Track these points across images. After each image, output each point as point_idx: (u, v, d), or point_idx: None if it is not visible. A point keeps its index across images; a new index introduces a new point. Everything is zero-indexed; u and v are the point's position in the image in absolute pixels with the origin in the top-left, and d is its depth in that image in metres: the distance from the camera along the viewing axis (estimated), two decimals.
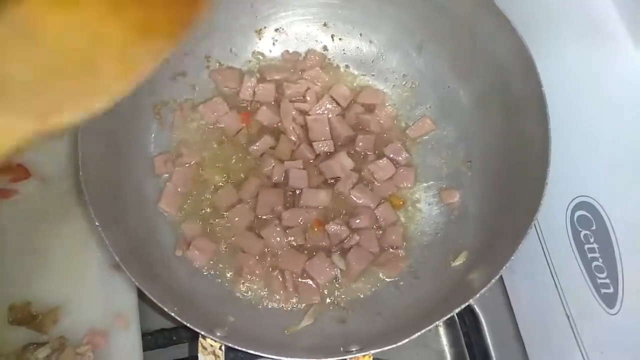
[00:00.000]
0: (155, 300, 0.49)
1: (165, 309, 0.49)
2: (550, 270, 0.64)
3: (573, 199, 0.59)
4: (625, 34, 0.52)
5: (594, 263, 0.57)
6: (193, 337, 0.64)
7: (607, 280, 0.55)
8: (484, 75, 0.66)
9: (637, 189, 0.52)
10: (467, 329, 0.75)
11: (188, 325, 0.49)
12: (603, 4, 0.53)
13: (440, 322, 0.73)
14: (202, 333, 0.50)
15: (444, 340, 0.76)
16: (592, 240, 0.57)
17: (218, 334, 0.52)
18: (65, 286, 0.64)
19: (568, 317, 0.62)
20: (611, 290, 0.55)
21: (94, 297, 0.64)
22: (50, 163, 0.69)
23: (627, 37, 0.51)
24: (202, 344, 0.51)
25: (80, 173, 0.52)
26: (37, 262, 0.65)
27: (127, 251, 0.55)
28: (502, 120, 0.65)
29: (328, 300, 0.66)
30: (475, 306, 0.74)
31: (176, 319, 0.51)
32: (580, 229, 0.59)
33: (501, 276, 0.73)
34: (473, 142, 0.70)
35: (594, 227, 0.57)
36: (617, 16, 0.52)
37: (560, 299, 0.63)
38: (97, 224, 0.51)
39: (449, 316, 0.55)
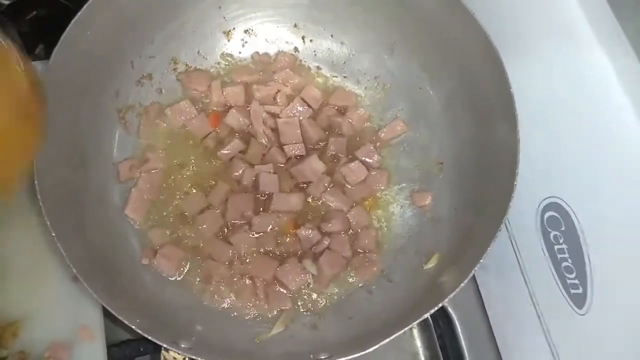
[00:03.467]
0: (115, 313, 0.48)
1: (126, 322, 0.48)
2: (522, 271, 0.65)
3: (543, 200, 0.59)
4: (591, 36, 0.52)
5: (564, 264, 0.57)
6: (157, 349, 0.62)
7: (576, 281, 0.56)
8: (454, 77, 0.66)
9: (603, 191, 0.52)
10: (441, 331, 0.75)
11: (149, 338, 0.48)
12: (570, 7, 0.53)
13: (414, 325, 0.73)
14: (165, 346, 0.49)
15: (418, 343, 0.76)
16: (561, 241, 0.57)
17: (183, 346, 0.51)
18: (25, 298, 0.62)
19: (539, 317, 0.62)
20: (580, 290, 0.55)
21: (57, 309, 0.62)
22: None
23: (594, 39, 0.51)
24: (164, 356, 0.50)
25: (36, 182, 0.50)
26: None
27: (88, 262, 0.53)
28: (472, 121, 0.65)
29: (300, 306, 0.65)
30: (448, 308, 0.73)
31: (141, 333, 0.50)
32: (550, 230, 0.59)
33: (474, 278, 0.74)
34: (444, 143, 0.70)
35: (563, 228, 0.57)
36: (584, 18, 0.53)
37: (532, 299, 0.63)
38: (53, 235, 0.49)
39: (421, 319, 0.54)
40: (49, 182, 0.52)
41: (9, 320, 0.61)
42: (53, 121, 0.54)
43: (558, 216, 0.57)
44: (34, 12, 0.83)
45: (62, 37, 0.55)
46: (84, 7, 0.56)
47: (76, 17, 0.55)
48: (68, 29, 0.55)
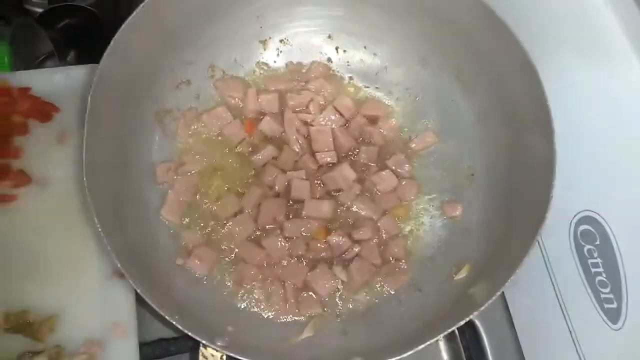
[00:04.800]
0: (156, 308, 0.49)
1: (167, 317, 0.49)
2: (553, 285, 0.64)
3: (577, 214, 0.59)
4: (629, 49, 0.52)
5: (598, 278, 0.57)
6: (192, 348, 0.63)
7: (611, 295, 0.55)
8: (487, 89, 0.67)
9: None
10: (468, 343, 0.74)
11: (189, 334, 0.49)
12: (608, 20, 0.54)
13: (441, 336, 0.73)
14: (204, 342, 0.50)
15: (444, 355, 0.75)
16: (595, 255, 0.57)
17: (219, 344, 0.51)
18: (62, 294, 0.63)
19: (570, 332, 0.61)
20: (615, 305, 0.55)
21: (92, 305, 0.64)
22: (51, 169, 0.69)
23: (631, 53, 0.52)
24: (202, 353, 0.51)
25: (85, 180, 0.52)
26: (34, 269, 0.64)
27: (128, 259, 0.54)
28: (506, 133, 0.65)
29: (329, 312, 0.65)
30: (475, 320, 0.73)
31: (176, 328, 0.51)
32: (583, 244, 0.59)
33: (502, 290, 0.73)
34: (476, 155, 0.70)
35: (597, 242, 0.56)
36: (621, 32, 0.53)
37: (563, 313, 0.62)
38: (100, 230, 0.50)
39: (450, 330, 0.54)
40: (95, 179, 0.54)
41: (46, 315, 0.62)
42: (101, 123, 0.57)
43: (592, 230, 0.57)
44: (66, 20, 0.87)
45: (111, 43, 0.57)
46: (132, 14, 0.58)
47: (126, 22, 0.57)
48: (117, 35, 0.57)
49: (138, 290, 0.49)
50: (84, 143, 0.53)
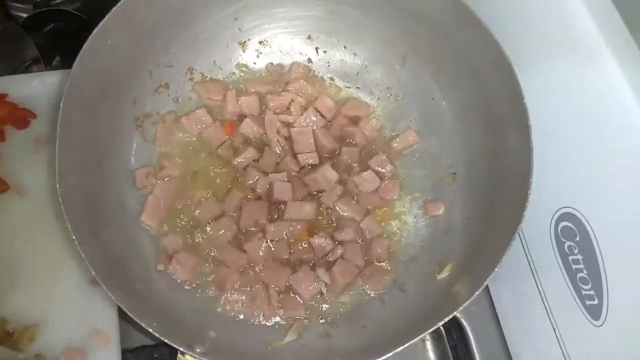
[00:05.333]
0: (132, 316, 0.48)
1: (143, 325, 0.48)
2: (536, 282, 0.64)
3: (557, 210, 0.59)
4: (604, 47, 0.52)
5: (579, 274, 0.57)
6: (173, 355, 0.62)
7: (592, 292, 0.55)
8: (466, 87, 0.66)
9: (618, 201, 0.52)
10: (455, 343, 0.74)
11: (166, 341, 0.48)
12: (582, 19, 0.54)
13: (425, 335, 0.73)
14: (181, 349, 0.49)
15: (431, 355, 0.75)
16: (576, 251, 0.57)
17: (198, 350, 0.51)
18: (42, 302, 0.63)
19: (554, 330, 0.61)
20: (596, 301, 0.55)
21: (72, 313, 0.63)
22: (28, 176, 0.68)
23: (606, 51, 0.52)
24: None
25: (57, 186, 0.51)
26: (13, 277, 0.63)
27: (105, 266, 0.54)
28: (485, 131, 0.65)
29: (312, 314, 0.65)
30: (462, 319, 0.73)
31: (155, 335, 0.50)
32: (564, 240, 0.59)
33: (487, 288, 0.73)
34: (457, 153, 0.70)
35: (577, 239, 0.56)
36: (596, 30, 0.53)
37: (546, 310, 0.62)
38: (73, 238, 0.50)
39: (433, 329, 0.54)
40: (69, 186, 0.53)
41: (26, 325, 0.61)
42: (74, 129, 0.56)
43: (572, 226, 0.57)
44: (52, 25, 0.86)
45: (83, 47, 0.56)
46: (105, 18, 0.58)
47: (97, 28, 0.57)
48: (89, 39, 0.57)
49: (112, 297, 0.49)
50: (56, 150, 0.52)
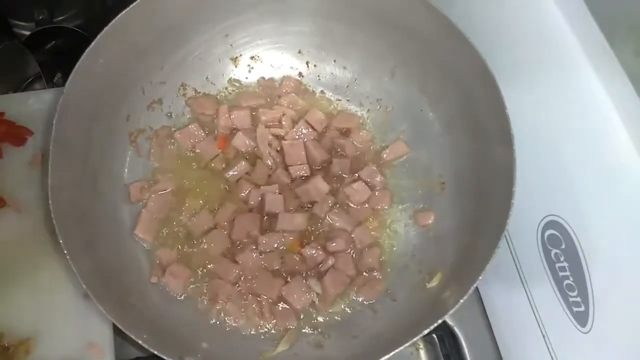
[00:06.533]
0: (123, 329, 0.49)
1: (133, 337, 0.49)
2: (525, 290, 0.65)
3: (543, 218, 0.60)
4: (584, 61, 0.53)
5: (565, 282, 0.57)
6: None
7: (579, 299, 0.56)
8: (452, 99, 0.68)
9: (601, 209, 0.53)
10: (447, 351, 0.75)
11: (156, 353, 0.49)
12: (563, 34, 0.55)
13: (419, 343, 0.74)
14: None
15: None
16: (562, 259, 0.58)
17: None
18: (38, 316, 0.64)
19: (544, 337, 0.62)
20: (582, 308, 0.55)
21: (68, 327, 0.64)
22: (25, 192, 0.69)
23: (587, 64, 0.53)
24: None
25: (50, 202, 0.52)
26: (8, 292, 0.64)
27: (98, 280, 0.55)
28: (471, 142, 0.66)
29: (304, 324, 0.66)
30: (455, 327, 0.73)
31: (146, 347, 0.51)
32: (550, 248, 0.59)
33: (480, 297, 0.74)
34: (446, 163, 0.71)
35: (563, 246, 0.57)
36: (577, 44, 0.54)
37: (536, 318, 0.63)
38: (65, 252, 0.51)
39: (422, 335, 0.54)
40: (62, 201, 0.54)
41: (21, 339, 0.62)
42: (68, 146, 0.58)
43: (558, 234, 0.58)
44: (53, 42, 0.87)
45: (77, 64, 0.58)
46: (98, 35, 0.59)
47: (91, 46, 0.58)
48: (83, 56, 0.58)
49: (103, 310, 0.50)
50: (49, 168, 0.54)
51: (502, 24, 0.65)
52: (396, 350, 0.53)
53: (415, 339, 0.54)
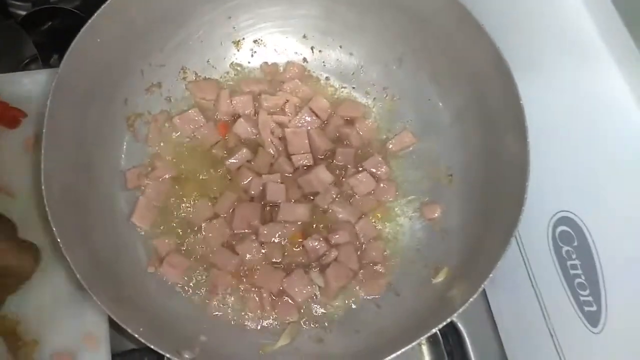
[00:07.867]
0: (118, 321, 0.47)
1: (129, 330, 0.47)
2: (534, 288, 0.63)
3: (554, 214, 0.58)
4: (604, 51, 0.51)
5: (577, 280, 0.56)
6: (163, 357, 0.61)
7: (590, 298, 0.54)
8: (463, 89, 0.65)
9: (617, 205, 0.51)
10: (451, 348, 0.73)
11: (152, 347, 0.47)
12: (582, 22, 0.53)
13: (422, 340, 0.72)
14: (167, 355, 0.48)
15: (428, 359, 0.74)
16: (574, 256, 0.56)
17: (186, 356, 0.50)
18: (31, 305, 0.62)
19: (552, 336, 0.60)
20: (594, 308, 0.53)
21: (62, 316, 0.62)
22: (19, 176, 0.67)
23: (607, 55, 0.51)
24: None
25: (43, 188, 0.50)
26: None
27: (93, 269, 0.53)
28: (482, 133, 0.64)
29: (305, 318, 0.64)
30: (458, 324, 0.72)
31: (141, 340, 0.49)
32: (562, 245, 0.57)
33: (485, 293, 0.72)
34: (454, 155, 0.69)
35: (575, 244, 0.55)
36: (597, 34, 0.52)
37: (544, 316, 0.61)
38: (59, 241, 0.49)
39: (428, 335, 0.53)
40: (56, 187, 0.52)
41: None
42: (62, 129, 0.55)
43: (570, 231, 0.56)
44: (50, 23, 0.85)
45: (72, 44, 0.55)
46: (95, 15, 0.57)
47: (86, 25, 0.56)
48: (78, 36, 0.56)
49: (98, 301, 0.48)
50: (42, 151, 0.51)
51: (517, 11, 0.62)
52: (402, 350, 0.51)
53: (420, 339, 0.53)
